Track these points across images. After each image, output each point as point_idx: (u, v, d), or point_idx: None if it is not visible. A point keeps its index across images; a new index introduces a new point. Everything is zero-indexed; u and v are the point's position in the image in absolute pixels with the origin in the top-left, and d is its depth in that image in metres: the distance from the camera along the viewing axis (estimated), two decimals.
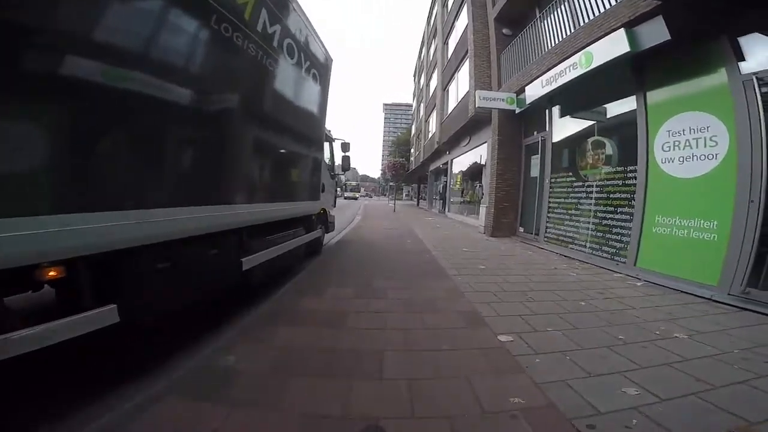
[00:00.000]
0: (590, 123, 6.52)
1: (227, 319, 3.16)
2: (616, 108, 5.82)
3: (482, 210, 10.15)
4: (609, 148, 5.97)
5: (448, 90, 16.13)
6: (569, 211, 6.86)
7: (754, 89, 3.53)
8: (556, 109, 7.64)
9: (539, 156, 8.19)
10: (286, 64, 4.03)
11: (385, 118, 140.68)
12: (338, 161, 8.24)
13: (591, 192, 6.26)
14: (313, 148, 5.58)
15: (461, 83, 13.41)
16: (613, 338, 2.61)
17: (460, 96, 13.17)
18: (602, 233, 5.85)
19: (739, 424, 1.57)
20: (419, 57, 29.00)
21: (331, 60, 6.00)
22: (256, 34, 3.21)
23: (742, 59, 3.77)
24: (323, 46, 5.46)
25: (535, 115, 8.38)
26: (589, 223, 6.24)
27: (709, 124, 4.10)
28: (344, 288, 4.00)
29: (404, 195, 60.09)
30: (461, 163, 15.77)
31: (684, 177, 4.40)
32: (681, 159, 4.44)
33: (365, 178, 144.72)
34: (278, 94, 4.04)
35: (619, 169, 5.60)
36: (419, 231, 10.23)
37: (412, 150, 34.31)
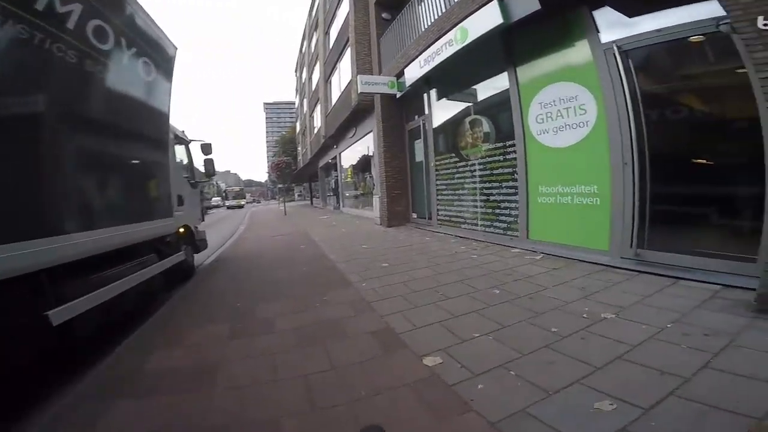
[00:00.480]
0: (467, 104, 6.59)
1: (39, 398, 2.07)
2: (490, 85, 5.90)
3: (375, 201, 9.81)
4: (486, 126, 6.06)
5: (330, 81, 15.38)
6: (457, 192, 6.87)
7: (615, 56, 3.69)
8: (434, 92, 7.61)
9: (422, 140, 8.12)
10: (93, 51, 3.09)
11: (267, 118, 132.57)
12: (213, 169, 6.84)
13: (474, 170, 6.31)
14: (153, 152, 4.42)
15: (343, 73, 12.82)
16: (547, 332, 2.28)
17: (343, 86, 12.57)
18: (491, 209, 5.93)
19: (751, 425, 1.26)
20: (300, 51, 27.45)
21: (175, 48, 4.89)
22: (31, 12, 2.44)
23: (602, 29, 3.95)
24: (161, 31, 4.46)
25: (415, 98, 8.27)
26: (476, 201, 6.30)
27: (576, 93, 4.25)
28: (216, 324, 2.99)
29: (296, 195, 57.65)
30: (350, 155, 15.32)
31: (560, 146, 4.54)
32: (555, 129, 4.58)
33: (250, 183, 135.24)
34: (83, 85, 3.05)
35: (499, 144, 5.69)
36: (314, 232, 9.36)
37: (299, 148, 32.71)
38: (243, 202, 41.88)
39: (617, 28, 3.80)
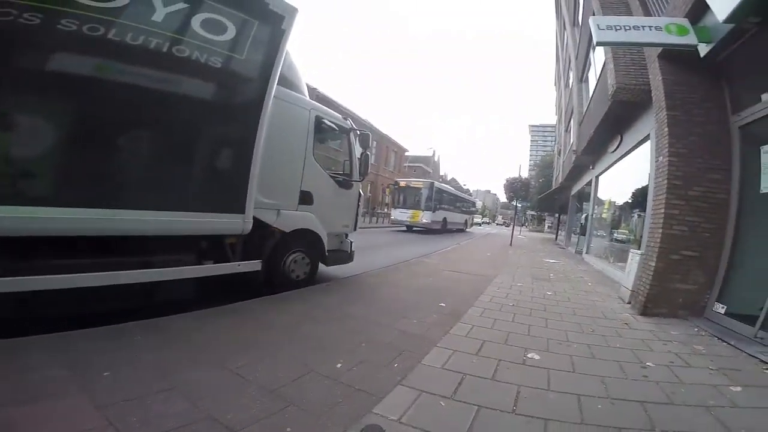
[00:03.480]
0: None
1: None
2: None
3: (632, 259, 5.35)
4: None
5: (587, 77, 11.17)
6: None
7: None
8: None
9: None
10: None
11: (531, 140, 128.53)
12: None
13: None
14: (216, 124, 3.47)
15: (598, 61, 8.67)
16: None
17: (599, 73, 8.41)
18: None
19: None
20: (557, 61, 23.47)
21: (294, 11, 3.73)
22: None
23: None
24: None
25: (756, 55, 3.59)
26: None
27: None
28: None
29: (547, 226, 51.86)
30: (611, 180, 10.48)
31: None
32: None
33: (507, 206, 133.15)
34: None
35: None
36: (492, 288, 5.99)
37: (554, 172, 28.01)
38: (482, 221, 34.08)
39: None
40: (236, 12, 3.29)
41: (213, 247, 3.51)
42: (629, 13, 5.60)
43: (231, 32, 3.27)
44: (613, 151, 8.92)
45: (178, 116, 3.11)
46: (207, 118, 3.33)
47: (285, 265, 4.35)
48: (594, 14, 7.28)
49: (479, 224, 45.22)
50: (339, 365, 2.45)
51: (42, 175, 2.57)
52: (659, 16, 4.46)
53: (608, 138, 8.94)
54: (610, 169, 10.05)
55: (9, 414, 1.64)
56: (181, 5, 2.96)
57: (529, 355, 2.90)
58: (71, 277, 2.63)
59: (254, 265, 3.83)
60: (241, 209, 3.46)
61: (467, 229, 27.90)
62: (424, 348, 2.90)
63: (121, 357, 2.27)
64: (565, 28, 15.39)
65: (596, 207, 12.08)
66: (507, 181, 16.78)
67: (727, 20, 3.29)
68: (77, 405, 1.77)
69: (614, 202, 10.29)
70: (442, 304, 4.29)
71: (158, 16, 2.85)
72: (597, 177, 11.72)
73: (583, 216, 14.82)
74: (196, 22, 3.05)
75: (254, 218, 3.68)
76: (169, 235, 3.09)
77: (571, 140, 14.49)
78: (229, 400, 1.92)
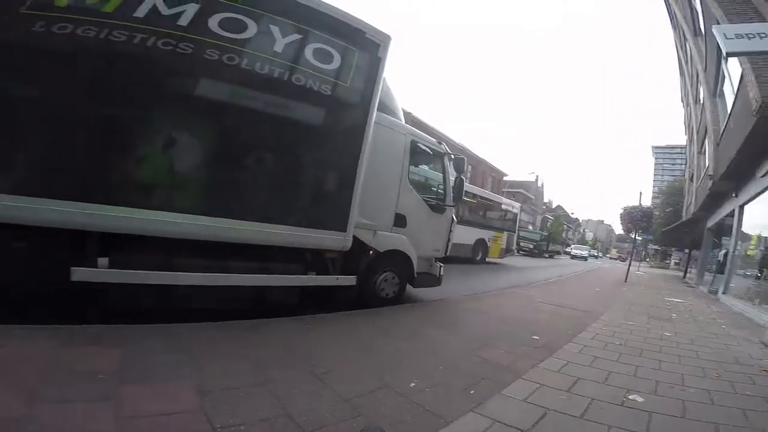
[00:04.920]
0: None
1: None
2: None
3: None
4: None
5: (722, 91, 9.58)
6: None
7: None
8: None
9: None
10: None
11: (656, 164, 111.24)
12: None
13: None
14: (324, 153, 3.87)
15: (733, 73, 7.42)
16: None
17: (736, 86, 7.19)
18: None
19: None
20: (681, 74, 20.38)
21: (387, 38, 4.07)
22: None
23: None
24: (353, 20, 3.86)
25: None
26: None
27: None
28: None
29: (673, 262, 43.96)
30: (761, 210, 8.71)
31: None
32: None
33: (623, 239, 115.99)
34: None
35: None
36: (593, 329, 5.43)
37: (686, 199, 23.90)
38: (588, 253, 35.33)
39: None
40: (339, 41, 3.66)
41: (315, 260, 3.93)
42: (761, 18, 4.81)
43: (337, 61, 3.61)
44: (764, 176, 7.45)
45: (296, 141, 3.61)
46: (319, 143, 3.76)
47: (376, 283, 4.57)
48: (718, 23, 6.40)
49: (584, 257, 37.68)
50: (413, 384, 2.44)
51: (187, 188, 3.16)
52: None
53: (756, 161, 7.51)
54: (760, 197, 8.36)
55: (123, 389, 1.88)
56: (296, 36, 3.42)
57: (630, 397, 2.63)
58: (206, 276, 3.08)
59: (350, 279, 4.17)
60: (343, 228, 3.85)
61: (500, 260, 15.22)
62: (507, 379, 2.75)
63: (227, 350, 2.56)
64: (685, 38, 13.48)
65: (739, 242, 10.04)
66: (624, 210, 14.74)
67: None
68: (183, 387, 1.99)
69: (765, 237, 8.48)
70: (535, 337, 4.09)
71: (279, 46, 3.27)
72: (741, 206, 9.81)
73: (722, 252, 12.35)
74: (308, 52, 3.47)
75: (353, 237, 3.99)
76: (282, 246, 3.60)
77: (707, 163, 12.40)
78: (307, 402, 2.02)
